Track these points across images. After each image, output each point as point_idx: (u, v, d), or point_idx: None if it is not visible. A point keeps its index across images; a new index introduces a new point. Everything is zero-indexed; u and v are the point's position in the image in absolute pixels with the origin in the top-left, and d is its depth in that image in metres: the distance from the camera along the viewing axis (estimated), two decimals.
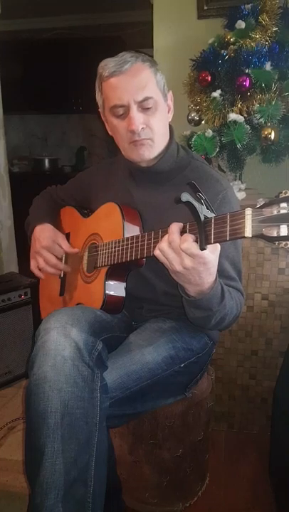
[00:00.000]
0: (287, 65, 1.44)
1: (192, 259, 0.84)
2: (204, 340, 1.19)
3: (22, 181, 3.27)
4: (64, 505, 0.84)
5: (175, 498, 1.32)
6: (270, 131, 1.44)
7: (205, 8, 1.91)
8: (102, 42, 3.63)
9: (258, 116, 1.44)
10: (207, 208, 0.82)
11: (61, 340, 0.92)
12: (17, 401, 1.81)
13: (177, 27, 1.98)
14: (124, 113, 1.06)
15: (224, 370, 1.66)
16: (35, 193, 1.48)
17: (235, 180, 1.65)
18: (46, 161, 4.32)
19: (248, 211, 0.73)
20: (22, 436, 1.56)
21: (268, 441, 1.43)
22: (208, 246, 0.82)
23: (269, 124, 1.44)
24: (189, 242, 0.83)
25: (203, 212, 0.81)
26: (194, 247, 0.82)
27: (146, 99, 1.05)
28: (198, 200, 0.81)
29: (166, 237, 0.88)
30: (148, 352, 1.07)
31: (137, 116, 1.05)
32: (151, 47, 2.05)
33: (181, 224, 0.87)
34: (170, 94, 1.15)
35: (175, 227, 0.86)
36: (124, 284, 1.15)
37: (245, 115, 1.46)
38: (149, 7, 2.08)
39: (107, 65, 1.06)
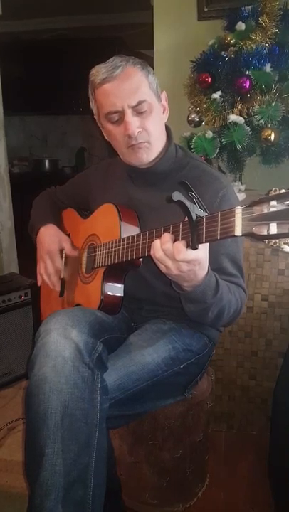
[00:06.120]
0: (287, 66, 1.44)
1: (188, 264, 0.85)
2: (204, 341, 1.19)
3: (22, 182, 3.28)
4: (64, 507, 0.84)
5: (175, 498, 1.32)
6: (269, 132, 1.44)
7: (205, 9, 1.92)
8: (102, 43, 3.63)
9: (257, 117, 1.44)
10: (200, 207, 0.82)
11: (61, 341, 0.92)
12: (17, 401, 1.81)
13: (177, 28, 1.98)
14: (120, 118, 1.07)
15: (224, 370, 1.66)
16: (36, 193, 1.48)
17: (235, 181, 1.66)
18: (46, 162, 4.33)
19: (238, 209, 0.73)
20: (22, 437, 1.56)
21: (267, 442, 1.44)
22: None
23: (269, 126, 1.45)
24: (183, 252, 0.83)
25: (195, 211, 0.81)
26: (188, 254, 0.83)
27: (139, 103, 1.05)
28: (191, 199, 0.81)
29: (158, 243, 0.88)
30: (148, 353, 1.07)
31: (133, 121, 1.05)
32: (152, 48, 2.05)
33: (170, 230, 0.87)
34: (164, 95, 1.15)
35: (167, 237, 0.87)
36: (122, 285, 1.14)
37: (245, 116, 1.47)
38: (149, 8, 2.09)
39: (98, 72, 1.06)
